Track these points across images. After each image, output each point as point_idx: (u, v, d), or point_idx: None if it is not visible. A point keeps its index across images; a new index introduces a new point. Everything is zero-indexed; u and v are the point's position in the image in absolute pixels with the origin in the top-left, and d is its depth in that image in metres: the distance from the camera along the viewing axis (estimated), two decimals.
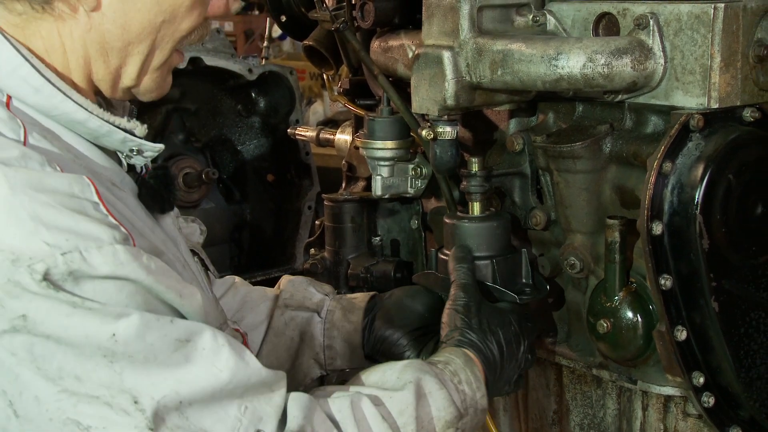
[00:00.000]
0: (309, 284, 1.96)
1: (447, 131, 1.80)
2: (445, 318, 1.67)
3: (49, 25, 1.36)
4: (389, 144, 1.95)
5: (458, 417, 1.50)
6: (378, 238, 2.22)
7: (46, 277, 1.17)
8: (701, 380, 1.66)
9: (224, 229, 3.91)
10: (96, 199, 1.27)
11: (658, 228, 1.58)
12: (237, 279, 1.98)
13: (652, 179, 1.58)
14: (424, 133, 1.80)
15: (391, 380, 1.48)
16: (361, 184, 2.35)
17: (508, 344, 1.66)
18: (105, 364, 1.18)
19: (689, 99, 1.62)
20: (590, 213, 1.76)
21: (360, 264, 2.17)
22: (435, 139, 1.80)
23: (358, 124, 2.28)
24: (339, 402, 1.40)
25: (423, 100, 1.77)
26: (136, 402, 1.19)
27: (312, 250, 2.31)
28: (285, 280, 1.99)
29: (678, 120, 1.59)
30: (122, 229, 1.26)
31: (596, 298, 1.74)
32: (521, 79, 1.66)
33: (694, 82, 1.62)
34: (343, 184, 2.40)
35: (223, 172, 3.89)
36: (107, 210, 1.27)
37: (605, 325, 1.72)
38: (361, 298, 1.93)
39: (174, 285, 1.28)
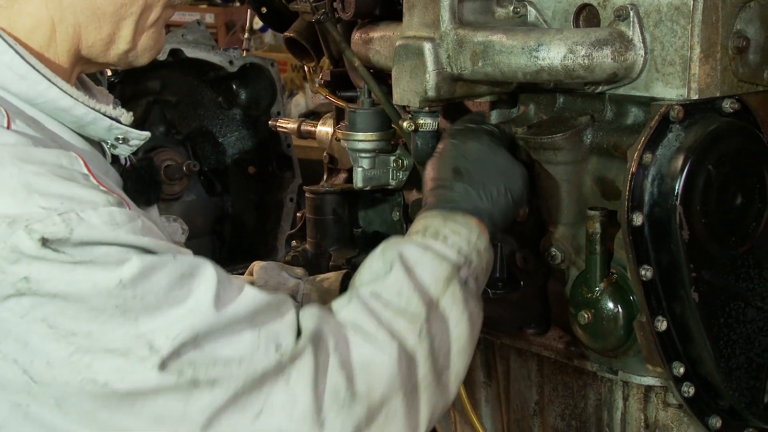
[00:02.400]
0: (281, 269, 1.96)
1: (428, 123, 1.80)
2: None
3: (37, 1, 1.35)
4: (370, 136, 1.95)
5: (456, 268, 1.48)
6: (359, 230, 2.22)
7: (45, 242, 1.15)
8: (681, 370, 1.66)
9: (206, 222, 3.90)
10: (85, 170, 1.26)
11: (638, 219, 1.59)
12: None
13: (633, 170, 1.58)
14: (405, 124, 1.80)
15: (378, 268, 1.47)
16: (343, 176, 2.35)
17: (471, 169, 1.63)
18: (118, 315, 1.17)
19: (669, 90, 1.63)
20: (571, 204, 1.76)
21: (341, 256, 2.17)
22: (416, 130, 1.80)
23: (339, 116, 2.27)
24: (345, 307, 1.40)
25: (404, 91, 1.77)
26: (151, 346, 1.18)
27: (294, 242, 2.30)
28: (257, 266, 1.98)
29: (658, 111, 1.59)
30: (114, 195, 1.26)
31: (577, 289, 1.75)
32: (502, 71, 1.66)
33: (674, 73, 1.62)
34: (325, 176, 2.40)
35: (204, 165, 3.88)
36: (97, 181, 1.26)
37: (586, 315, 1.72)
38: (333, 278, 1.93)
39: (171, 244, 1.27)
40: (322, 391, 1.29)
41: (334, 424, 1.29)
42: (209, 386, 1.21)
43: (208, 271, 1.26)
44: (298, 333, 1.32)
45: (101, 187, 1.25)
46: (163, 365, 1.18)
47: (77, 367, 1.17)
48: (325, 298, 1.89)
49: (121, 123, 1.43)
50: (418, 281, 1.44)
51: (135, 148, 1.48)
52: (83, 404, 1.18)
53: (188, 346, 1.20)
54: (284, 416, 1.26)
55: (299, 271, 1.98)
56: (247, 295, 1.29)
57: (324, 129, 2.46)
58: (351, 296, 1.42)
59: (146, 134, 1.47)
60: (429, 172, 1.68)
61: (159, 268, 1.21)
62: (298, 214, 2.37)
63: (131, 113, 1.47)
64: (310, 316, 1.35)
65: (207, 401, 1.21)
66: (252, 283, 1.91)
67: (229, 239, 3.98)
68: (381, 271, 1.46)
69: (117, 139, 1.43)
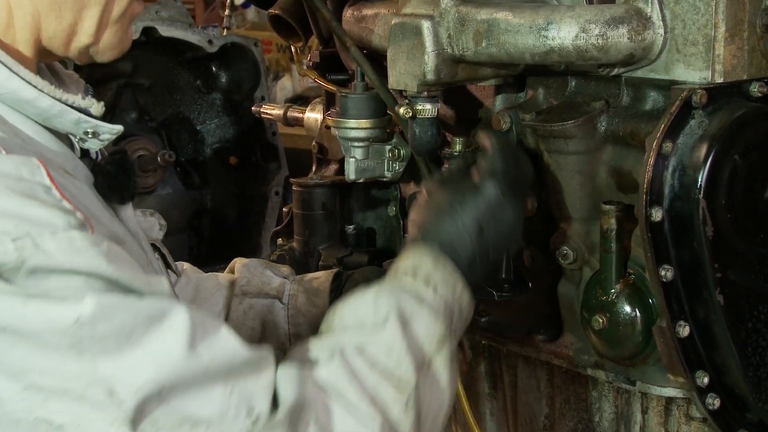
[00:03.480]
0: (265, 267, 1.96)
1: (427, 109, 1.80)
2: (411, 215, 1.66)
3: None
4: (364, 123, 1.95)
5: (448, 326, 1.49)
6: (352, 227, 2.22)
7: None
8: (705, 380, 1.67)
9: (182, 217, 3.91)
10: (47, 182, 1.23)
11: (657, 214, 1.59)
12: (186, 265, 1.95)
13: (651, 161, 1.58)
14: (401, 110, 1.80)
15: (368, 317, 1.45)
16: (333, 167, 2.35)
17: (478, 226, 1.61)
18: (73, 354, 1.15)
19: (691, 72, 1.63)
20: (584, 198, 1.77)
21: (332, 255, 2.17)
22: (414, 117, 1.81)
23: (329, 102, 2.28)
24: (326, 366, 1.38)
25: (400, 74, 1.77)
26: (111, 393, 1.16)
27: (279, 240, 2.31)
28: (238, 264, 1.97)
29: (679, 96, 1.60)
30: (78, 214, 1.23)
31: (591, 292, 1.75)
32: (508, 52, 1.67)
33: (696, 54, 1.63)
34: (314, 168, 2.40)
35: (180, 155, 3.89)
36: (61, 194, 1.24)
37: (601, 320, 1.73)
38: (323, 278, 1.93)
39: (139, 275, 1.25)
40: None
41: None
42: None
43: (180, 316, 1.23)
44: (275, 397, 1.30)
45: (64, 203, 1.23)
46: (126, 422, 1.16)
47: (31, 405, 1.16)
48: (313, 300, 1.89)
49: (91, 115, 1.43)
50: (412, 339, 1.44)
51: (106, 143, 1.47)
52: None
53: (153, 399, 1.18)
54: None
55: (285, 269, 1.98)
56: (225, 343, 1.27)
57: (312, 115, 2.46)
58: (333, 350, 1.40)
59: (118, 128, 1.46)
60: (418, 221, 1.65)
61: (123, 309, 1.19)
62: (284, 209, 2.38)
63: (102, 103, 1.46)
64: (289, 379, 1.33)
65: None
66: (233, 284, 1.92)
67: (208, 236, 3.99)
68: (370, 321, 1.44)
69: (86, 133, 1.42)
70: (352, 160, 1.98)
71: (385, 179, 2.04)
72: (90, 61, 1.48)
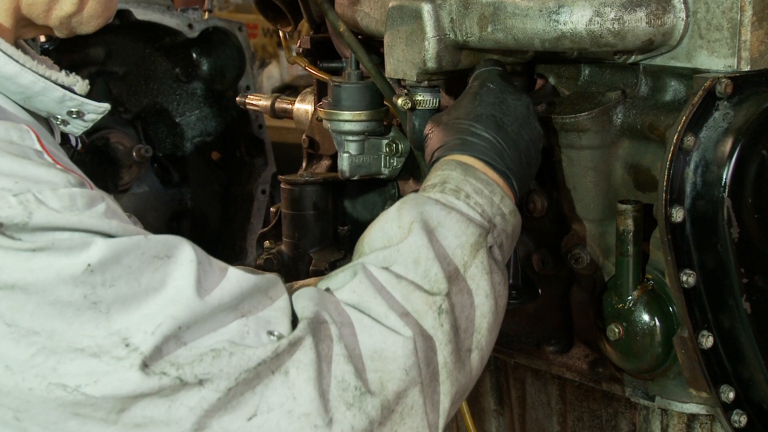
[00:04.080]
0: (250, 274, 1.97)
1: (427, 100, 1.81)
2: (427, 129, 1.70)
3: None
4: (358, 115, 1.96)
5: (484, 233, 1.52)
6: (345, 228, 2.23)
7: None
8: (731, 395, 1.68)
9: (160, 218, 3.90)
10: (38, 147, 1.27)
11: (678, 214, 1.60)
12: None
13: (672, 156, 1.59)
14: (400, 101, 1.81)
15: (392, 232, 1.49)
16: (325, 163, 2.36)
17: (507, 124, 1.66)
18: (86, 307, 1.19)
19: (715, 60, 1.64)
20: (598, 197, 1.78)
21: (324, 259, 2.18)
22: (413, 109, 1.82)
23: (321, 92, 2.28)
24: (348, 285, 1.42)
25: (398, 62, 1.78)
26: (128, 343, 1.20)
27: (266, 243, 2.31)
28: None
29: (702, 85, 1.60)
30: (75, 174, 1.27)
31: (606, 299, 1.76)
32: (515, 37, 1.67)
33: (721, 40, 1.63)
34: (304, 164, 2.41)
35: (158, 150, 3.88)
36: (53, 158, 1.28)
37: (617, 330, 1.73)
38: (315, 283, 1.93)
39: (141, 230, 1.29)
40: (327, 386, 1.32)
41: (342, 424, 1.32)
42: (196, 386, 1.24)
43: (186, 252, 1.28)
44: (294, 319, 1.34)
45: (58, 166, 1.27)
46: (143, 365, 1.20)
47: (41, 371, 1.19)
48: None
49: (75, 93, 1.44)
50: (441, 247, 1.47)
51: (91, 124, 1.49)
52: (49, 414, 1.20)
53: (170, 341, 1.22)
54: (283, 416, 1.28)
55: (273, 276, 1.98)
56: (231, 279, 1.31)
57: (303, 107, 2.47)
58: (356, 269, 1.44)
59: (105, 106, 1.48)
60: (453, 110, 1.69)
61: (130, 251, 1.23)
62: (271, 209, 2.38)
63: (86, 81, 1.48)
64: (306, 297, 1.37)
65: (194, 403, 1.24)
66: None
67: (188, 239, 3.99)
68: (397, 235, 1.48)
69: (70, 113, 1.44)
70: (346, 155, 1.99)
71: (381, 176, 2.04)
72: (71, 33, 1.49)
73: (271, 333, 1.31)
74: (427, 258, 1.45)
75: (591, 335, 1.82)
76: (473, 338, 1.48)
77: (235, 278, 1.31)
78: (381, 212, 2.21)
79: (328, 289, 1.43)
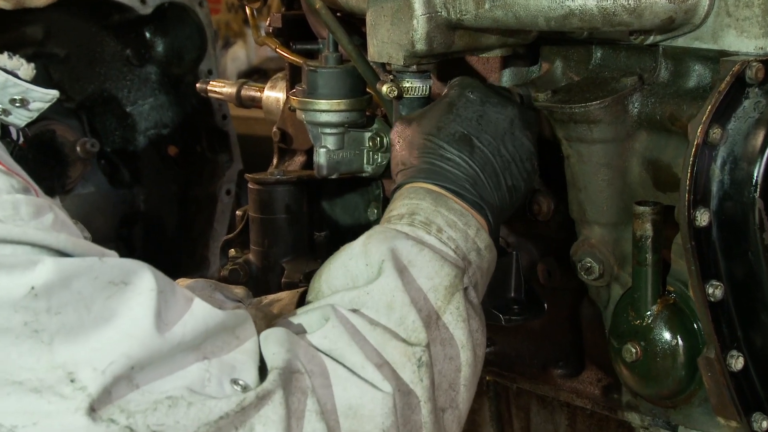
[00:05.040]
0: (214, 289, 1.97)
1: (416, 87, 1.83)
2: (393, 135, 1.74)
3: None
4: (337, 104, 1.96)
5: (459, 273, 1.53)
6: (323, 234, 2.23)
7: None
8: (764, 424, 1.69)
9: (108, 223, 3.90)
10: None
11: (703, 217, 1.61)
12: None
13: (695, 151, 1.60)
14: (384, 89, 1.82)
15: (358, 270, 1.50)
16: (300, 159, 2.37)
17: (485, 144, 1.68)
18: (27, 335, 1.18)
19: (745, 41, 1.65)
20: (612, 197, 1.79)
21: (298, 269, 2.18)
22: (400, 97, 1.83)
23: (294, 77, 2.29)
24: (319, 330, 1.42)
25: (383, 44, 1.79)
26: (73, 380, 1.19)
27: (232, 251, 2.32)
28: (181, 284, 1.98)
29: (730, 70, 1.61)
30: (19, 177, 1.27)
31: (622, 315, 1.77)
32: (517, 15, 1.68)
33: (751, 19, 1.64)
34: (275, 160, 2.41)
35: (106, 144, 3.88)
36: None
37: (634, 350, 1.74)
38: (287, 300, 1.94)
39: (93, 246, 1.29)
40: None
41: None
42: None
43: (146, 279, 1.28)
44: (262, 365, 1.35)
45: (1, 167, 1.27)
46: (90, 409, 1.19)
47: None
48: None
49: (19, 78, 1.45)
50: (415, 290, 1.48)
51: (36, 114, 1.49)
52: None
53: (121, 382, 1.22)
54: None
55: (240, 291, 1.99)
56: (197, 313, 1.31)
57: (273, 95, 2.48)
58: (326, 312, 1.45)
59: (53, 93, 1.49)
60: (424, 120, 1.71)
61: (82, 273, 1.22)
62: (237, 213, 2.39)
63: (33, 65, 1.48)
64: (276, 342, 1.37)
65: None
66: None
67: (141, 247, 3.98)
68: (363, 274, 1.49)
69: (13, 101, 1.45)
70: (323, 150, 1.99)
71: (364, 174, 2.05)
72: (18, 5, 1.49)
73: (236, 382, 1.31)
74: (403, 303, 1.46)
75: (604, 356, 1.83)
76: (447, 395, 1.49)
77: (200, 312, 1.31)
78: (363, 216, 2.26)
79: (298, 329, 1.44)
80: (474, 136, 1.67)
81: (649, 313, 1.73)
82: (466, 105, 1.71)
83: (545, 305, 1.89)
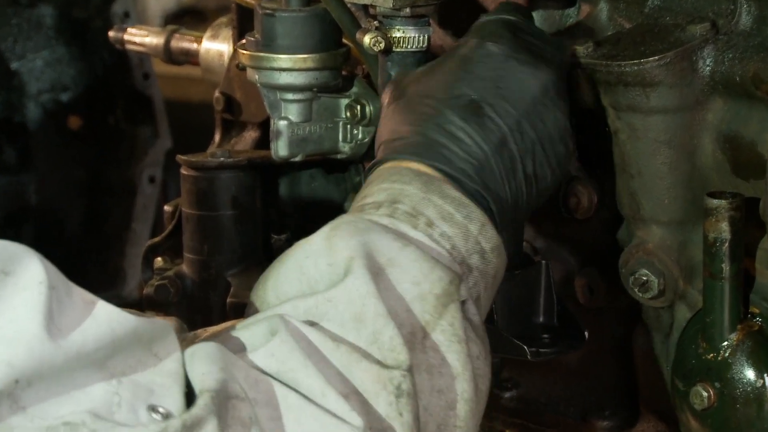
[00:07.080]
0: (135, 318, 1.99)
1: (410, 37, 1.84)
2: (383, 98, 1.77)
3: None
4: (303, 60, 1.97)
5: (455, 280, 1.53)
6: (283, 237, 2.24)
7: None
8: None
9: None
10: None
11: None
12: None
13: None
14: (367, 39, 1.83)
15: (317, 271, 1.50)
16: (251, 135, 2.38)
17: (503, 115, 1.69)
18: None
19: None
20: (676, 187, 1.81)
21: (249, 285, 2.18)
22: (388, 51, 1.84)
23: (243, 23, 2.30)
24: (264, 346, 1.42)
25: None
26: None
27: (158, 261, 2.33)
28: None
29: None
30: None
31: (689, 346, 1.79)
32: None
33: None
34: (217, 137, 2.43)
35: None
36: None
37: (706, 393, 1.75)
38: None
39: None
40: None
41: None
42: None
43: (32, 269, 1.27)
44: (189, 390, 1.35)
45: None
46: None
47: None
48: None
49: None
50: (394, 298, 1.48)
51: None
52: None
53: (2, 401, 1.22)
54: None
55: (171, 322, 2.01)
56: (100, 318, 1.31)
57: (214, 46, 2.49)
58: (272, 323, 1.44)
59: None
60: (426, 77, 1.73)
61: None
62: (165, 208, 2.40)
63: None
64: (206, 359, 1.37)
65: None
66: None
67: None
68: (325, 276, 1.50)
69: None
70: (284, 123, 2.00)
71: (339, 156, 2.06)
72: None
73: (154, 409, 1.30)
74: (376, 314, 1.45)
75: (665, 402, 1.85)
76: (445, 428, 1.50)
77: (105, 317, 1.31)
78: (338, 213, 2.27)
79: (237, 345, 1.44)
80: (487, 104, 1.68)
81: (726, 343, 1.75)
82: (484, 60, 1.72)
83: (585, 333, 1.90)
